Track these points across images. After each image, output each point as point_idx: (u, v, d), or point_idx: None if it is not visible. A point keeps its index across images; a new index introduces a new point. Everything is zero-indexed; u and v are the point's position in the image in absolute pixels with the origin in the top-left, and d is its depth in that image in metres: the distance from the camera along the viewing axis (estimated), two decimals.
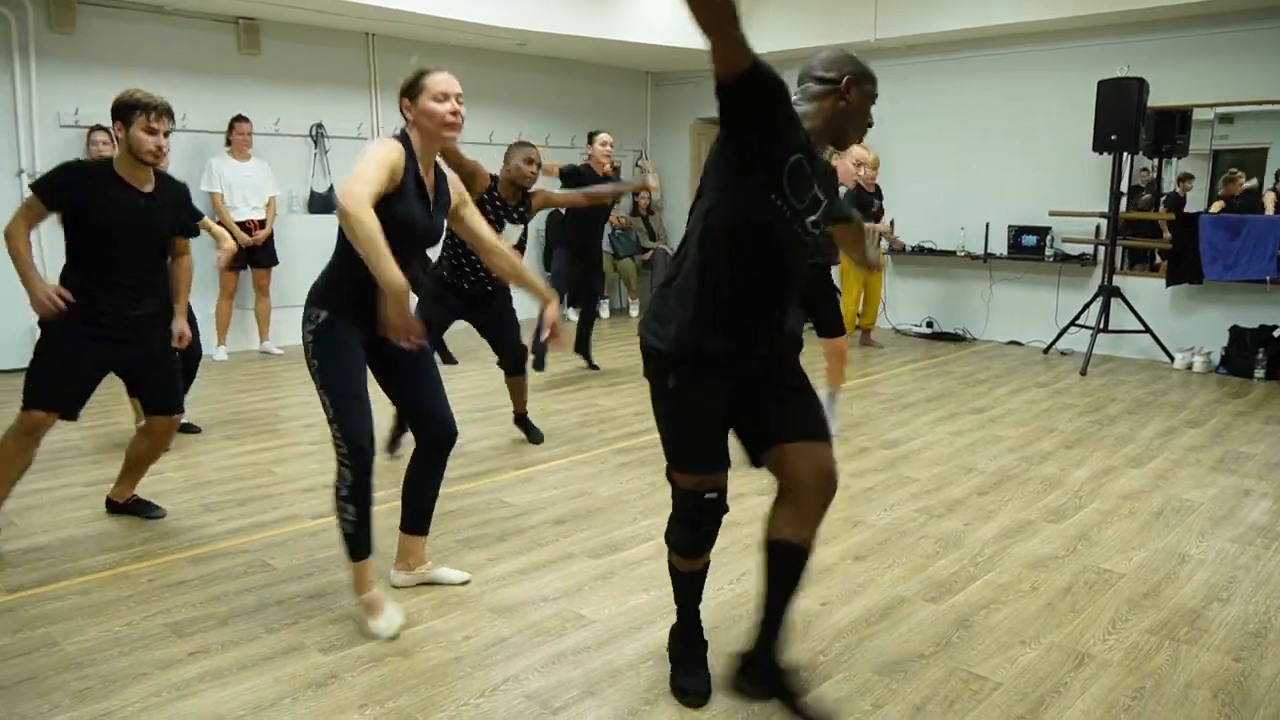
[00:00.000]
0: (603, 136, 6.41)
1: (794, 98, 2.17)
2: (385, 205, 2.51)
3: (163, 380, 3.53)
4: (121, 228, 3.26)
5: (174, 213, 3.45)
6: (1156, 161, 7.44)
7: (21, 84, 6.37)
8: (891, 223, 7.68)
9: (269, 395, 5.88)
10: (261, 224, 7.04)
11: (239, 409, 5.50)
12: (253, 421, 5.20)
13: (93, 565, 3.21)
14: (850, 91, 2.26)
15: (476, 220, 2.94)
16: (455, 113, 2.65)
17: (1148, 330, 7.06)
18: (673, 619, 2.52)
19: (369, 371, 2.76)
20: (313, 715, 2.30)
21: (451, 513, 3.74)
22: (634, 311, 9.92)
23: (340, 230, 2.56)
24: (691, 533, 2.31)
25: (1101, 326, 7.03)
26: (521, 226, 4.74)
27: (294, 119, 7.70)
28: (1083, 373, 6.78)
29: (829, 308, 4.84)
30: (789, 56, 9.00)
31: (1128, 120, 6.65)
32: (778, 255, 2.16)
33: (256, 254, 7.04)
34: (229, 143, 6.96)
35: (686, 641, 2.48)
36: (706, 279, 2.13)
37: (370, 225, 2.37)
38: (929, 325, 8.53)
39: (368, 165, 2.48)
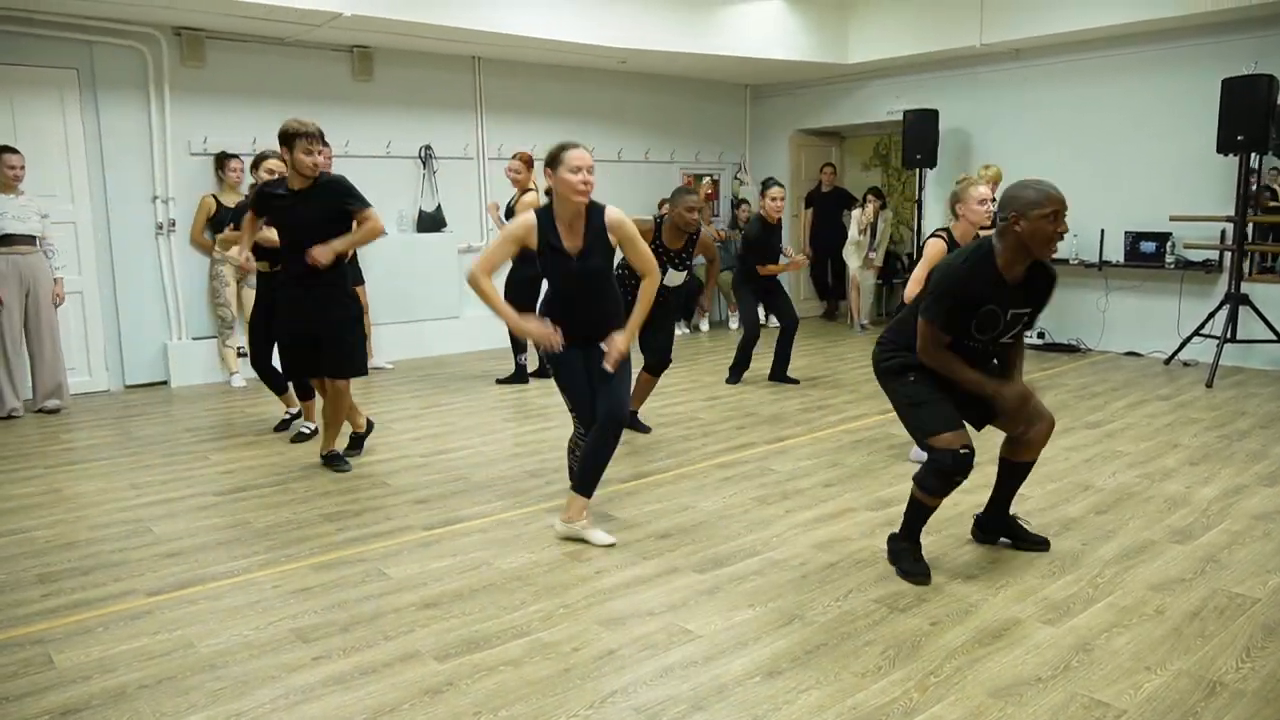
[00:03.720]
0: (774, 191, 6.45)
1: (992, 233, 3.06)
2: (524, 261, 3.59)
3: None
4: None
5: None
6: None
7: (156, 115, 6.79)
8: None
9: (381, 409, 6.08)
10: None
11: None
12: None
13: (223, 572, 3.38)
14: (1019, 224, 2.93)
15: (641, 252, 3.61)
16: (585, 182, 3.39)
17: None
18: (778, 639, 2.64)
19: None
20: None
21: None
22: (733, 324, 9.89)
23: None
24: (946, 483, 3.12)
25: (1229, 336, 6.68)
26: (684, 272, 5.20)
27: (403, 141, 7.98)
28: (1209, 385, 6.46)
29: None
30: (897, 64, 8.93)
31: (1257, 119, 6.32)
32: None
33: None
34: None
35: (913, 542, 3.28)
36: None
37: (481, 286, 3.43)
38: (1040, 336, 8.26)
39: (494, 247, 3.47)
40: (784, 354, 6.79)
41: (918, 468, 3.26)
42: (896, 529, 3.33)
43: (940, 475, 3.10)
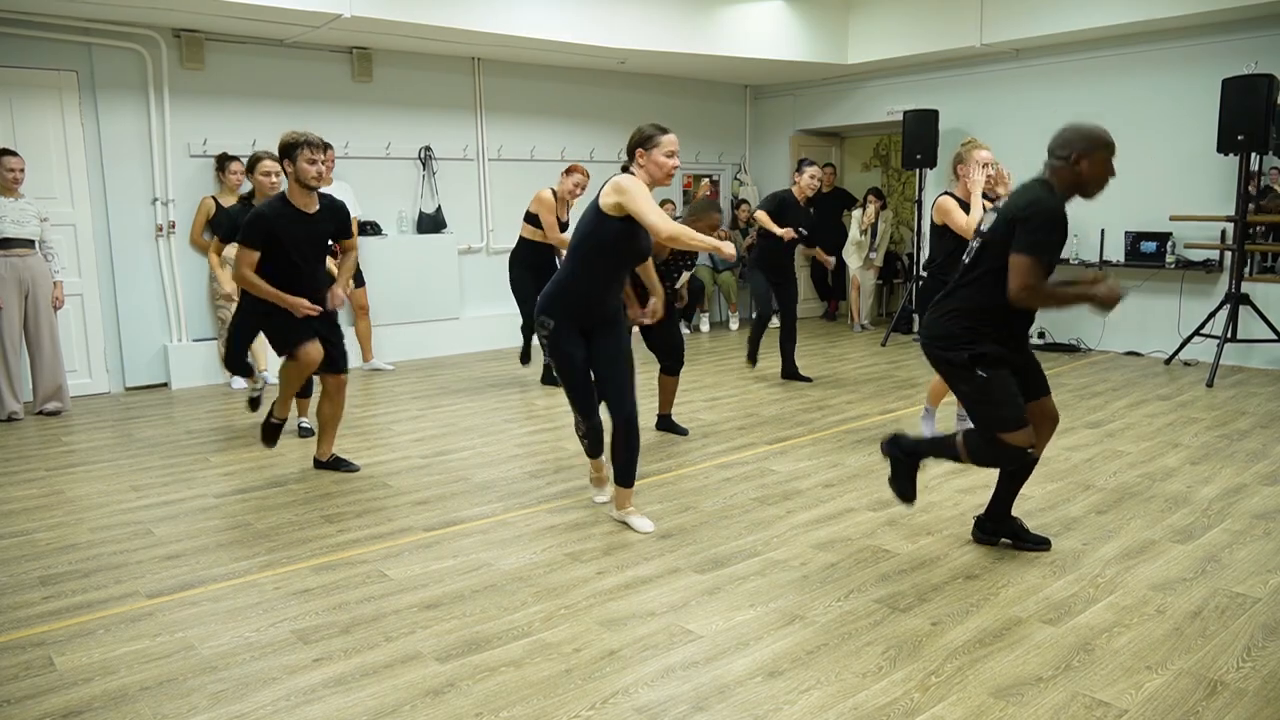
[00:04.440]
0: (813, 170, 6.49)
1: (1044, 167, 3.10)
2: (629, 228, 3.44)
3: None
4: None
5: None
6: None
7: (156, 117, 6.79)
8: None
9: (383, 410, 6.09)
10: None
11: (354, 423, 5.72)
12: (367, 435, 5.40)
13: (223, 573, 3.38)
14: (1080, 164, 3.02)
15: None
16: (676, 165, 3.54)
17: None
18: (779, 640, 2.64)
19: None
20: None
21: (556, 526, 3.81)
22: (734, 325, 9.90)
23: (573, 254, 3.53)
24: (996, 465, 3.26)
25: (1229, 335, 6.68)
26: (689, 272, 5.56)
27: (403, 142, 7.98)
28: (1209, 384, 6.46)
29: None
30: (896, 64, 8.93)
31: (1256, 118, 6.32)
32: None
33: None
34: None
35: (916, 460, 3.38)
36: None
37: (683, 233, 3.38)
38: (1040, 336, 8.26)
39: (651, 205, 3.35)
40: (789, 351, 6.85)
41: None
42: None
43: (998, 459, 3.20)
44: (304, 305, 4.19)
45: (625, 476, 3.77)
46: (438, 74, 8.12)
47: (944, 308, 3.23)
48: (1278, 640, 2.75)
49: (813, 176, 6.47)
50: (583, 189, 6.41)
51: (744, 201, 10.06)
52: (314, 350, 4.30)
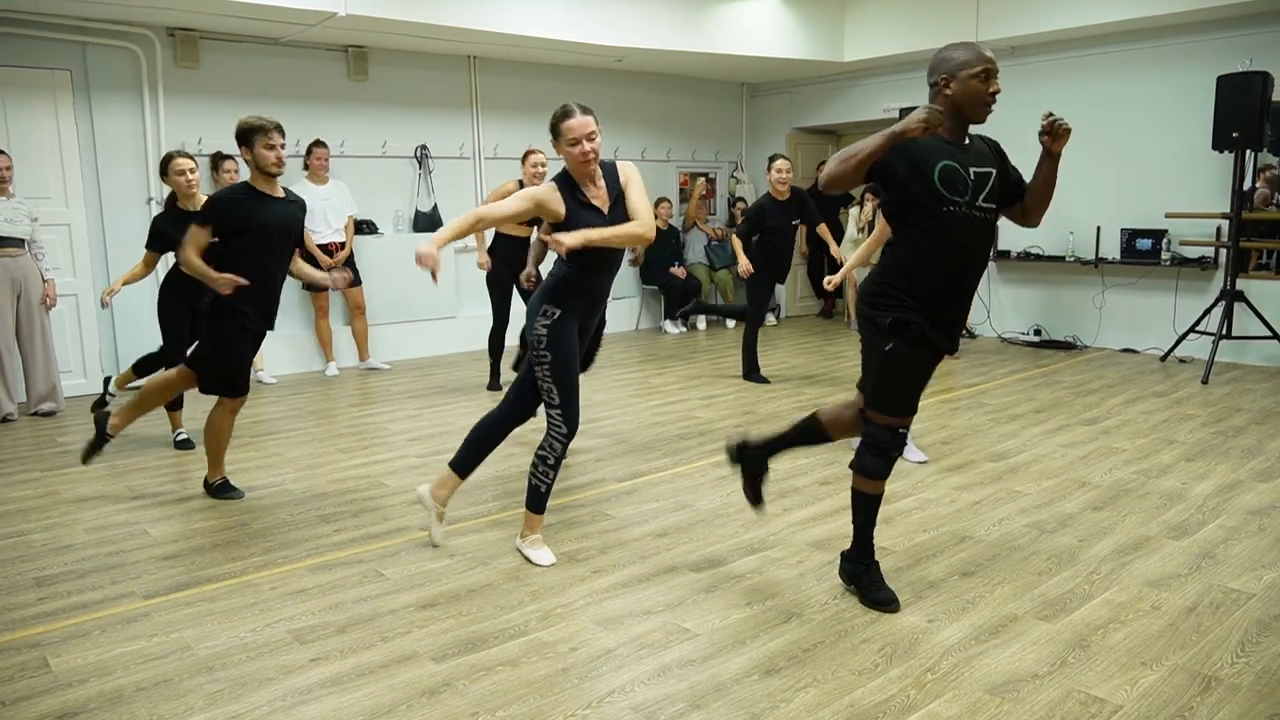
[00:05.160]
0: (778, 164, 6.45)
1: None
2: (562, 229, 3.18)
3: None
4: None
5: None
6: None
7: (150, 116, 6.78)
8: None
9: (379, 409, 6.08)
10: (342, 245, 7.21)
11: (350, 423, 5.71)
12: (363, 435, 5.39)
13: (219, 574, 3.38)
14: (950, 86, 2.77)
15: (634, 198, 3.35)
16: (584, 153, 3.18)
17: (1276, 336, 6.69)
18: (775, 638, 2.60)
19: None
20: None
21: (555, 525, 3.81)
22: (730, 323, 9.90)
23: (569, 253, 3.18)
24: (887, 460, 2.91)
25: (1224, 332, 6.69)
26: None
27: (399, 141, 7.98)
28: (1204, 381, 6.47)
29: None
30: (893, 61, 8.93)
31: (1251, 115, 6.33)
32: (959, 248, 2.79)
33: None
34: (306, 167, 7.18)
35: (866, 562, 3.03)
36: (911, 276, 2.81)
37: (464, 223, 3.09)
38: (1036, 333, 8.26)
39: (505, 202, 3.20)
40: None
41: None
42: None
43: (879, 451, 2.91)
44: (231, 280, 3.79)
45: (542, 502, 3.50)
46: (433, 72, 8.11)
47: (879, 264, 2.97)
48: (1272, 636, 2.76)
49: (779, 170, 6.41)
50: (544, 166, 6.03)
51: (740, 199, 10.06)
52: (239, 403, 4.17)
